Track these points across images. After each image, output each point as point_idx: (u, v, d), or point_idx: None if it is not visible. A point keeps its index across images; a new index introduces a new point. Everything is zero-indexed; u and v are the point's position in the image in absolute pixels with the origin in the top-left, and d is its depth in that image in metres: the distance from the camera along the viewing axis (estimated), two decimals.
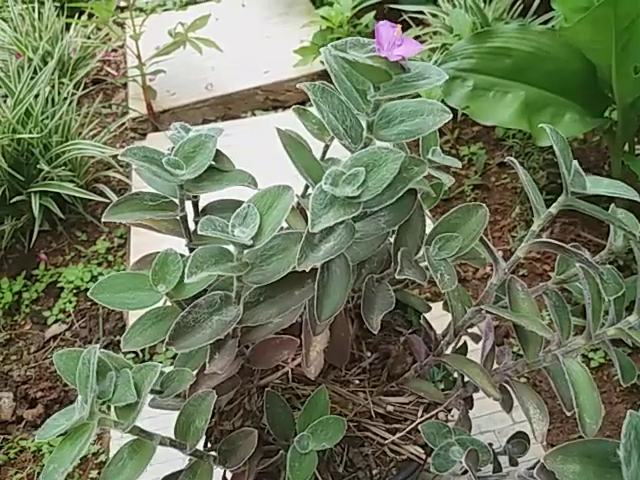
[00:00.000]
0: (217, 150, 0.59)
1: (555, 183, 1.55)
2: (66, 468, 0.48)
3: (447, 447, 0.61)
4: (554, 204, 0.59)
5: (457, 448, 0.61)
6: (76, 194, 1.35)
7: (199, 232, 0.44)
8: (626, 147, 1.24)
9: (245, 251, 0.49)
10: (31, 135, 1.33)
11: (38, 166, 1.35)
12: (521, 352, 0.66)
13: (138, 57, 1.66)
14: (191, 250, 0.65)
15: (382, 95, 0.44)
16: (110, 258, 1.44)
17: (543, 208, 0.59)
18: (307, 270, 0.47)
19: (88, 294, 0.53)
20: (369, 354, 0.79)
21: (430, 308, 0.86)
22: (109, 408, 0.54)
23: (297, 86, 0.50)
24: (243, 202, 0.65)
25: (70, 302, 1.35)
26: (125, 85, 2.01)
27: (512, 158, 0.61)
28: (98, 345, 0.52)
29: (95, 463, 1.07)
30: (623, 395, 1.18)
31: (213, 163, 0.59)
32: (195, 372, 0.58)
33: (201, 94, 1.86)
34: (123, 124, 1.75)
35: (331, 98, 0.48)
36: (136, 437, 0.54)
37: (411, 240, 0.59)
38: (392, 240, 0.63)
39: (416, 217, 0.58)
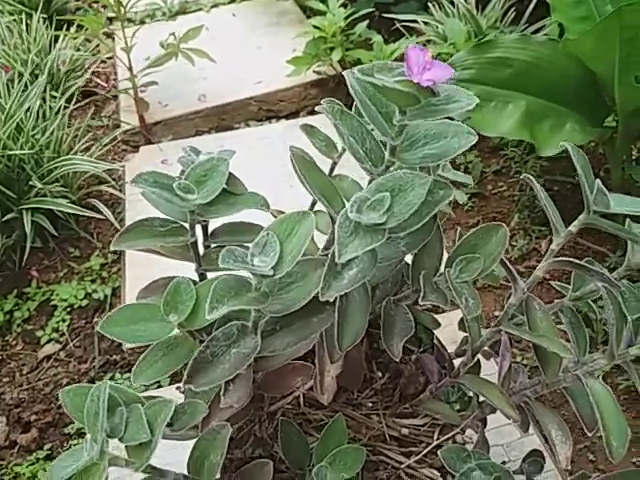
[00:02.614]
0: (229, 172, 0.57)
1: (552, 190, 1.55)
2: None
3: (468, 472, 0.59)
4: (574, 222, 0.58)
5: (478, 473, 0.59)
6: (69, 210, 1.31)
7: (220, 265, 0.42)
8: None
9: (265, 280, 0.47)
10: (22, 151, 1.29)
11: (30, 182, 1.31)
12: (531, 365, 0.65)
13: (130, 69, 1.64)
14: (200, 275, 0.63)
15: (410, 120, 0.42)
16: (104, 274, 1.40)
17: (562, 227, 0.58)
18: (331, 299, 0.45)
19: (97, 329, 0.51)
20: (380, 374, 0.77)
21: (439, 324, 0.84)
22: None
23: (316, 109, 0.48)
24: (253, 224, 0.63)
25: (64, 320, 1.31)
26: (115, 97, 1.98)
27: (529, 176, 0.60)
28: (108, 382, 0.50)
29: None
30: (627, 403, 1.17)
31: (225, 186, 0.57)
32: (208, 404, 0.56)
33: (194, 105, 1.83)
34: (115, 137, 1.72)
35: (350, 120, 0.47)
36: (148, 476, 0.51)
37: (429, 262, 0.58)
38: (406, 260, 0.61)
39: (435, 238, 0.57)
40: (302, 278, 0.49)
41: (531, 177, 0.59)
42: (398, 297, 0.61)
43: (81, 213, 1.33)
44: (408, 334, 0.57)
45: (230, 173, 0.57)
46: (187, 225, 0.58)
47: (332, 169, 0.73)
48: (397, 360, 0.55)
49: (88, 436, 0.49)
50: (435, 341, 0.75)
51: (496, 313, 1.30)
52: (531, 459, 0.75)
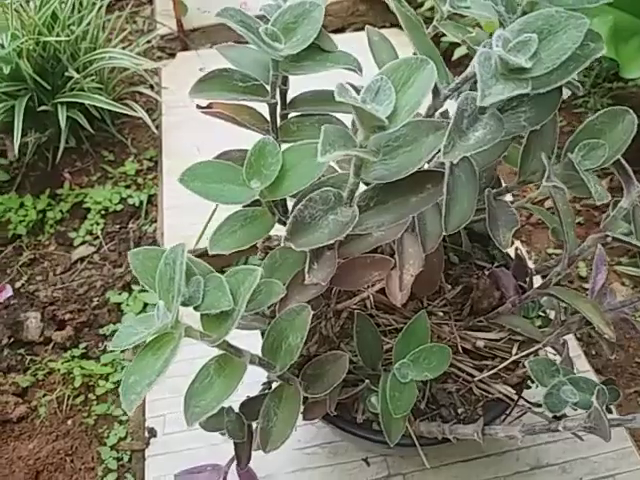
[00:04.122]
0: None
1: None
2: (151, 380, 0.41)
3: (559, 386, 0.54)
4: None
5: (569, 388, 0.54)
6: (107, 107, 1.24)
7: (337, 98, 0.35)
8: None
9: (372, 137, 0.40)
10: (58, 38, 1.21)
11: (66, 74, 1.24)
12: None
13: None
14: None
15: None
16: (139, 181, 1.34)
17: None
18: (454, 161, 0.38)
19: (177, 180, 0.44)
20: (449, 287, 0.72)
21: (512, 242, 0.78)
22: None
23: None
24: None
25: (97, 224, 1.27)
26: (151, 1, 1.86)
27: None
28: (184, 244, 0.44)
29: None
30: None
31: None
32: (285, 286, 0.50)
33: None
34: (149, 41, 1.62)
35: None
36: (223, 352, 0.46)
37: (541, 148, 0.50)
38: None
39: (553, 119, 0.49)
40: (411, 142, 0.42)
41: None
42: (498, 190, 0.54)
43: (119, 110, 1.26)
44: (514, 226, 0.51)
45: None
46: (268, 86, 0.51)
47: None
48: (505, 249, 0.49)
49: (160, 303, 0.44)
50: (515, 255, 0.69)
51: (549, 250, 1.23)
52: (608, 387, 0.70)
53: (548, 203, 1.25)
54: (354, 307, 0.65)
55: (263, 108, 0.57)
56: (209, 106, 0.54)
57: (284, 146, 0.48)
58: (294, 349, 0.47)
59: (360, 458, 0.86)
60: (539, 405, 0.66)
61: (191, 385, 0.45)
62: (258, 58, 0.54)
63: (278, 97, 0.53)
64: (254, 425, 0.56)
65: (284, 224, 0.51)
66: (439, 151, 0.40)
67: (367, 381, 0.57)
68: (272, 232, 0.66)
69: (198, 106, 0.54)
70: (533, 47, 0.37)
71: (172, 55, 1.69)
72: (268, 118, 0.56)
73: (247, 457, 0.57)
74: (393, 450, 0.77)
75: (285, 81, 0.52)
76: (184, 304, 0.44)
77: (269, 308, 0.59)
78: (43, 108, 1.23)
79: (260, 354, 0.49)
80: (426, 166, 0.47)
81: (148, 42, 1.56)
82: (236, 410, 0.56)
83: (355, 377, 0.61)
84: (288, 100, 0.56)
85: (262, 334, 0.65)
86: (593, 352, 1.04)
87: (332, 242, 0.51)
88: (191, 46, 1.68)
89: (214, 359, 0.47)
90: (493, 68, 0.36)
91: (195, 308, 0.44)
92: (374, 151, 0.40)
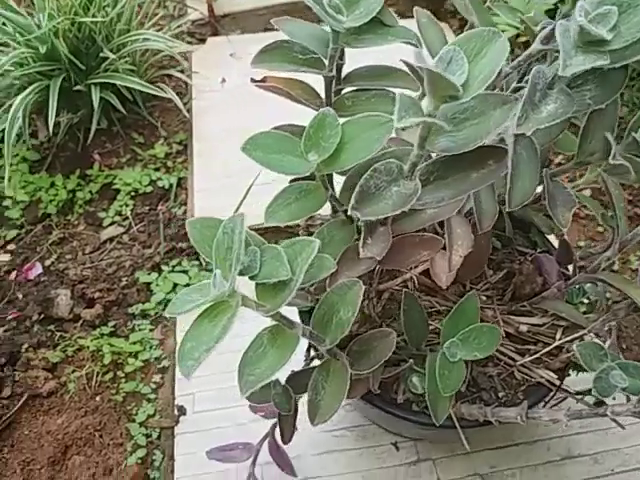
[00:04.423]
0: None
1: None
2: (209, 347, 0.41)
3: (608, 370, 0.53)
4: None
5: (619, 373, 0.53)
6: (140, 88, 1.25)
7: (415, 63, 0.35)
8: None
9: (441, 106, 0.40)
10: (94, 19, 1.21)
11: (101, 54, 1.24)
12: None
13: None
14: None
15: None
16: (169, 164, 1.35)
17: None
18: (528, 133, 0.37)
19: (240, 148, 0.44)
20: (491, 272, 0.71)
21: (553, 230, 0.77)
22: None
23: None
24: (395, 68, 0.55)
25: (127, 205, 1.28)
26: None
27: None
28: (243, 214, 0.44)
29: (158, 368, 1.02)
30: None
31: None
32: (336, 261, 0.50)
33: (265, 0, 1.71)
34: (180, 26, 1.62)
35: None
36: (276, 323, 0.46)
37: (602, 128, 0.49)
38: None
39: (616, 99, 0.48)
40: (479, 115, 0.42)
41: None
42: (554, 171, 0.53)
43: (151, 92, 1.26)
44: (572, 206, 0.50)
45: None
46: (325, 60, 0.51)
47: None
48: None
49: (217, 272, 0.44)
50: (559, 241, 0.68)
51: (580, 244, 1.22)
52: None
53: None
54: (396, 288, 0.64)
55: (315, 83, 0.57)
56: (263, 80, 0.53)
57: (341, 120, 0.48)
58: (345, 323, 0.47)
59: (389, 442, 0.86)
60: (579, 393, 0.65)
61: (245, 354, 0.45)
62: (312, 32, 0.54)
63: (335, 71, 0.53)
64: (299, 400, 0.56)
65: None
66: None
67: (411, 360, 0.57)
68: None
69: (252, 80, 0.53)
70: (613, 19, 0.36)
71: (202, 40, 1.69)
72: (320, 93, 0.56)
73: (291, 431, 0.57)
74: (428, 433, 0.77)
75: (342, 55, 0.52)
76: (241, 273, 0.44)
77: (312, 286, 0.59)
78: (77, 88, 1.24)
79: (310, 327, 0.49)
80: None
81: (179, 27, 1.57)
82: (282, 384, 0.56)
83: (397, 357, 0.61)
84: (343, 75, 0.55)
85: (299, 313, 0.65)
86: (624, 346, 1.03)
87: (386, 218, 0.51)
88: (221, 32, 1.68)
89: (267, 329, 0.47)
90: (572, 40, 0.35)
91: (251, 278, 0.44)
92: (445, 121, 0.40)
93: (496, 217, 0.50)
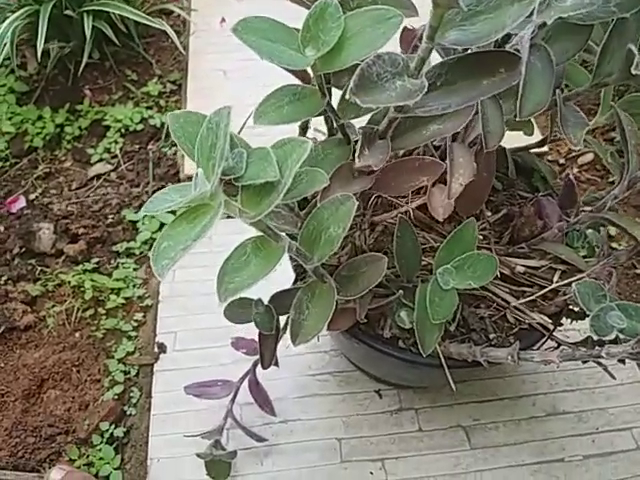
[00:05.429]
0: None
1: None
2: (186, 245, 0.38)
3: (607, 310, 0.51)
4: None
5: (617, 313, 0.51)
6: (135, 17, 1.19)
7: None
8: None
9: None
10: None
11: None
12: None
13: None
14: None
15: None
16: (162, 103, 1.30)
17: None
18: (549, 21, 0.34)
19: (230, 30, 0.40)
20: (489, 214, 0.68)
21: (556, 176, 0.74)
22: None
23: None
24: None
25: (116, 142, 1.23)
26: None
27: None
28: (230, 107, 0.40)
29: (140, 306, 0.99)
30: None
31: None
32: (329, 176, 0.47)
33: None
34: None
35: None
36: (261, 235, 0.43)
37: (625, 43, 0.46)
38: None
39: (637, 12, 0.45)
40: (495, 9, 0.38)
41: None
42: (566, 95, 0.50)
43: (146, 22, 1.20)
44: (585, 127, 0.47)
45: None
46: None
47: None
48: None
49: (199, 171, 0.40)
50: (563, 183, 0.65)
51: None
52: None
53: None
54: (390, 221, 0.61)
55: None
56: None
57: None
58: (334, 239, 0.44)
59: (372, 390, 0.84)
60: (572, 344, 0.63)
61: (225, 262, 0.42)
62: None
63: None
64: (282, 321, 0.54)
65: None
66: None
67: (400, 291, 0.55)
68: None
69: None
70: None
71: None
72: None
73: (271, 355, 0.55)
74: (412, 377, 0.75)
75: None
76: (225, 174, 0.41)
77: (303, 209, 0.56)
78: (68, 13, 1.18)
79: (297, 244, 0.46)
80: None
81: None
82: (265, 303, 0.53)
83: (385, 291, 0.58)
84: None
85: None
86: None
87: (385, 131, 0.47)
88: None
89: (251, 239, 0.44)
90: None
91: (236, 180, 0.41)
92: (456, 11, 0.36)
93: (502, 138, 0.47)
